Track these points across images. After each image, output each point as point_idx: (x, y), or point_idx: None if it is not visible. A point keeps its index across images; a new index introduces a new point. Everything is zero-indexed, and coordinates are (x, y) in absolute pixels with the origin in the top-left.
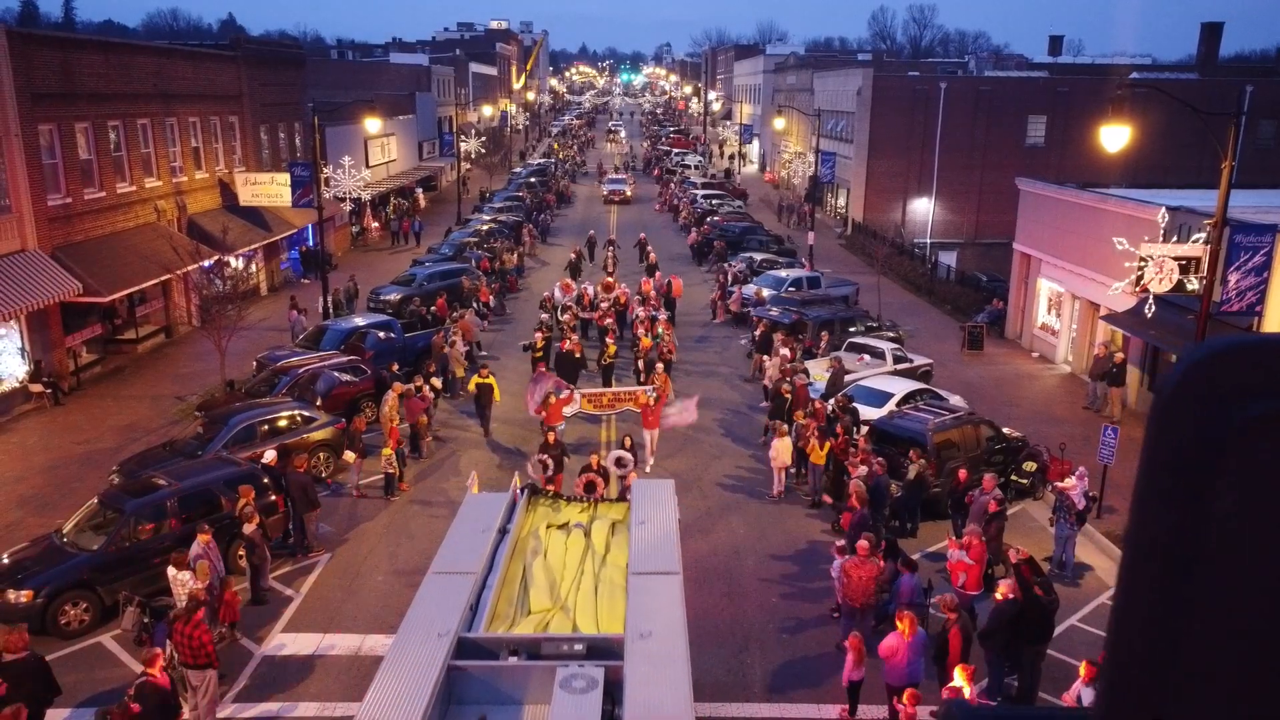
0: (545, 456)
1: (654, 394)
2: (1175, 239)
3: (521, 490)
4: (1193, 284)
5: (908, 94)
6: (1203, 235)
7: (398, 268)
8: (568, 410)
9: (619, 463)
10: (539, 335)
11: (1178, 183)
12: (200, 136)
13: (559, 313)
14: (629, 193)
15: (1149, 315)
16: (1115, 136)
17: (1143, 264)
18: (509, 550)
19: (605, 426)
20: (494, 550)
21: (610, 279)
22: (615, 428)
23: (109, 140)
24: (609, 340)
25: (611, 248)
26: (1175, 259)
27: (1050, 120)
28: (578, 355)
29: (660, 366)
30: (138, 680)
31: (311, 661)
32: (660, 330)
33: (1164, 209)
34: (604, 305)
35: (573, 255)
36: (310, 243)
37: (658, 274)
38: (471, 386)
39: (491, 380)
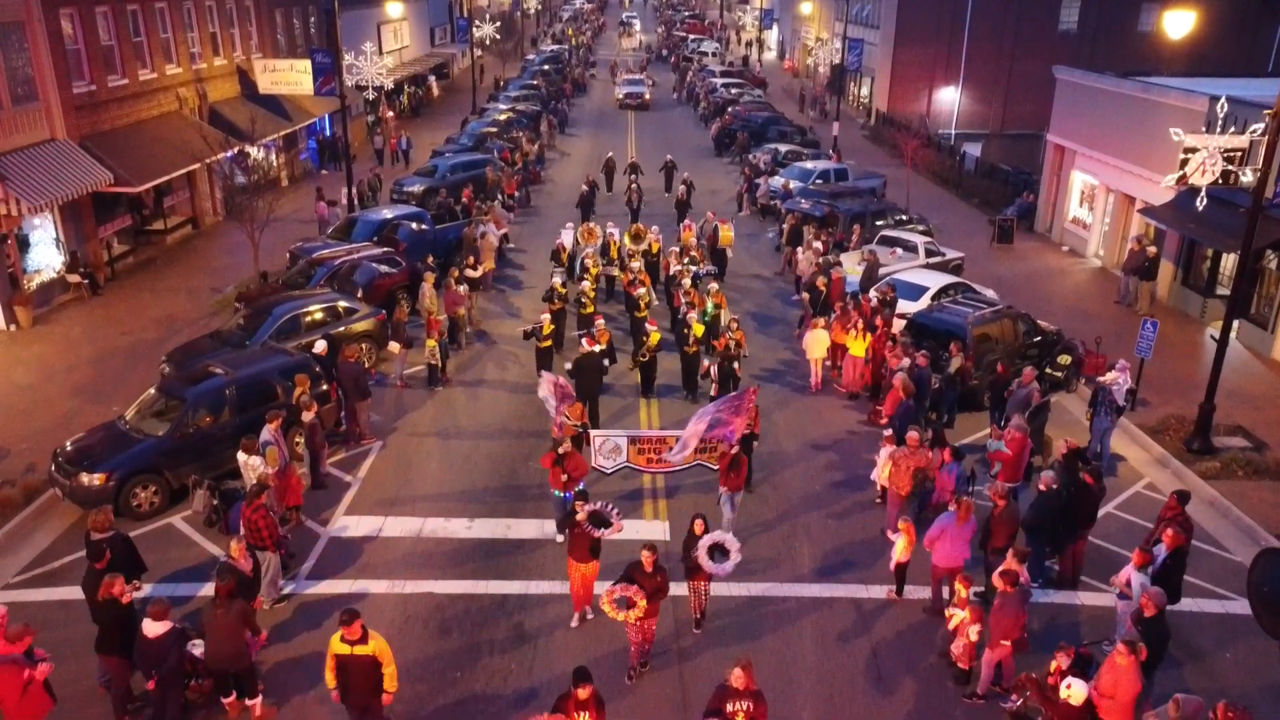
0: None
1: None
2: (1219, 129)
3: None
4: (1246, 176)
5: None
6: (1260, 126)
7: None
8: (608, 466)
9: (715, 554)
10: (546, 314)
11: (1215, 71)
12: (217, 21)
13: (577, 272)
14: (648, 96)
15: (1200, 208)
16: (1179, 22)
17: (1187, 156)
18: None
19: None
20: None
21: (639, 225)
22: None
23: (128, 25)
24: (650, 326)
25: (633, 174)
26: (1223, 151)
27: (1085, 4)
28: (603, 352)
29: (753, 397)
30: (221, 561)
31: (375, 542)
32: (711, 305)
33: (1224, 98)
34: (634, 264)
35: (585, 186)
36: (327, 133)
37: (709, 213)
38: (329, 669)
39: (374, 647)
